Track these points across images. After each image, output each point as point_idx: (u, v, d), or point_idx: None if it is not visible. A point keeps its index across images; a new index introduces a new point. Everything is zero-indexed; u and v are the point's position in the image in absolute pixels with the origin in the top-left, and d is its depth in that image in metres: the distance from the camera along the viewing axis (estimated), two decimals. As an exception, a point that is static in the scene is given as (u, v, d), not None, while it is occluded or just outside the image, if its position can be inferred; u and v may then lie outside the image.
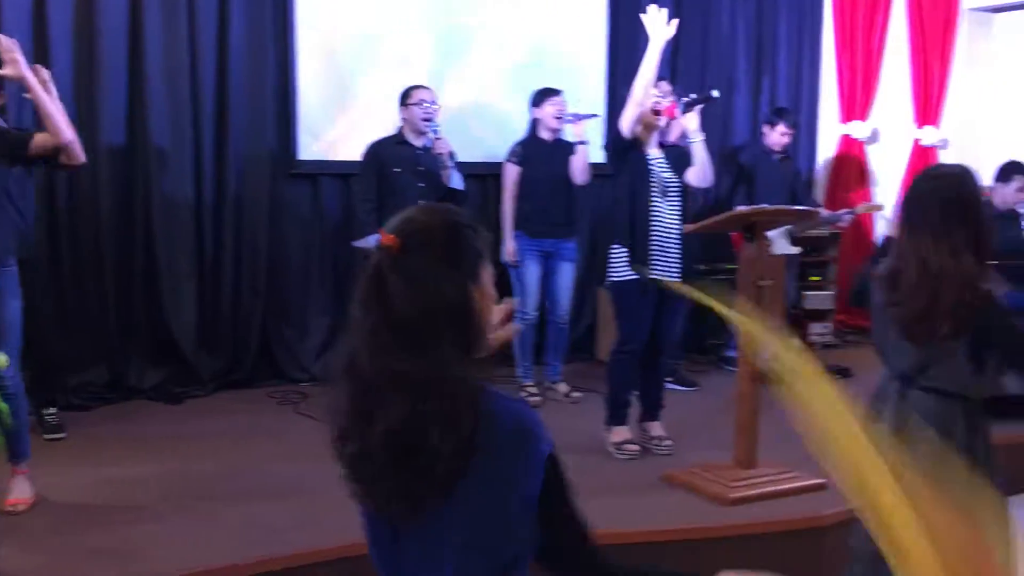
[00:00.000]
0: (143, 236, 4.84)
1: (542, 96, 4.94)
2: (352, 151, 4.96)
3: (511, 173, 4.94)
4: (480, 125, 5.49)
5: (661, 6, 3.92)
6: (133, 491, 3.52)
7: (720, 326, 5.85)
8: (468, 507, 1.31)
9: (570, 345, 5.44)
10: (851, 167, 7.01)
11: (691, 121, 3.99)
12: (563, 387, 5.04)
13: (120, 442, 4.13)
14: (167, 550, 2.98)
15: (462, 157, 4.81)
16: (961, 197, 2.40)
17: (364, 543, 1.44)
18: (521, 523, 1.33)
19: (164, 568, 2.84)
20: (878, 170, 7.18)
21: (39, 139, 3.32)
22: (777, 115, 5.89)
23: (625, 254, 3.95)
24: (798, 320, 6.47)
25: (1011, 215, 5.43)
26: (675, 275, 3.96)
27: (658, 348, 4.04)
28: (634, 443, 4.04)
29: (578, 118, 4.80)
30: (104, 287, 4.76)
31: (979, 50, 7.46)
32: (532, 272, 4.93)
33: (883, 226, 6.90)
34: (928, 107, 7.22)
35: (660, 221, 3.94)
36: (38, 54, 4.32)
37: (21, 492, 3.34)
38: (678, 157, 4.05)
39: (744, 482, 3.53)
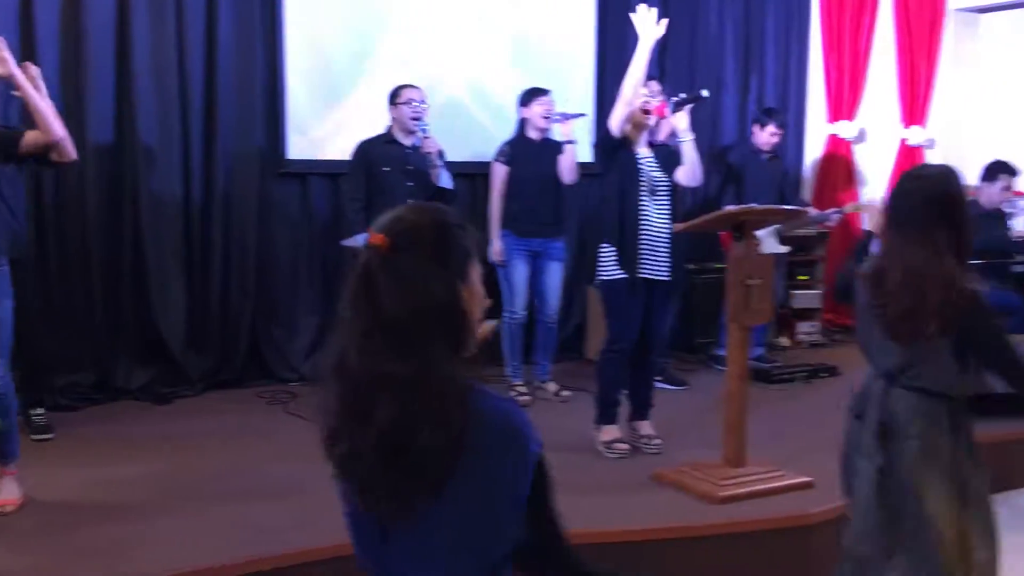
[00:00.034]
0: (131, 235, 4.82)
1: (530, 96, 4.94)
2: (341, 150, 4.96)
3: (499, 173, 4.94)
4: (468, 124, 5.48)
5: (650, 6, 3.93)
6: (122, 492, 3.51)
7: (709, 325, 5.87)
8: (458, 506, 1.31)
9: (559, 344, 5.45)
10: (838, 167, 7.05)
11: (681, 120, 4.01)
12: (552, 386, 5.05)
13: (108, 443, 4.12)
14: (156, 550, 2.97)
15: (450, 156, 4.81)
16: (945, 197, 2.41)
17: (355, 543, 1.44)
18: (510, 522, 1.34)
19: (153, 569, 2.83)
20: (865, 170, 7.22)
21: (30, 137, 3.31)
22: (767, 115, 5.91)
23: (614, 253, 3.96)
24: (786, 319, 6.51)
25: (997, 214, 5.47)
26: (664, 274, 3.98)
27: (647, 347, 4.05)
28: (624, 442, 4.05)
29: (566, 117, 4.81)
30: (91, 286, 4.73)
31: (965, 50, 7.50)
32: (520, 271, 4.93)
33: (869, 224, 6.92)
34: (914, 107, 7.26)
35: (649, 220, 3.95)
36: (25, 53, 4.29)
37: (9, 493, 3.33)
38: (667, 156, 4.06)
39: (733, 481, 3.54)
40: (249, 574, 2.89)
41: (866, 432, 2.50)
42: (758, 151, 5.87)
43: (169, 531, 3.13)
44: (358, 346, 1.31)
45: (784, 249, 5.82)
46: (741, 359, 3.63)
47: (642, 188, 3.94)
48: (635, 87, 3.87)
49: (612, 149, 3.99)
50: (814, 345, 6.49)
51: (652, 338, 4.05)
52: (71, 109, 4.52)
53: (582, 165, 4.91)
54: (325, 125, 5.26)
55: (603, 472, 3.84)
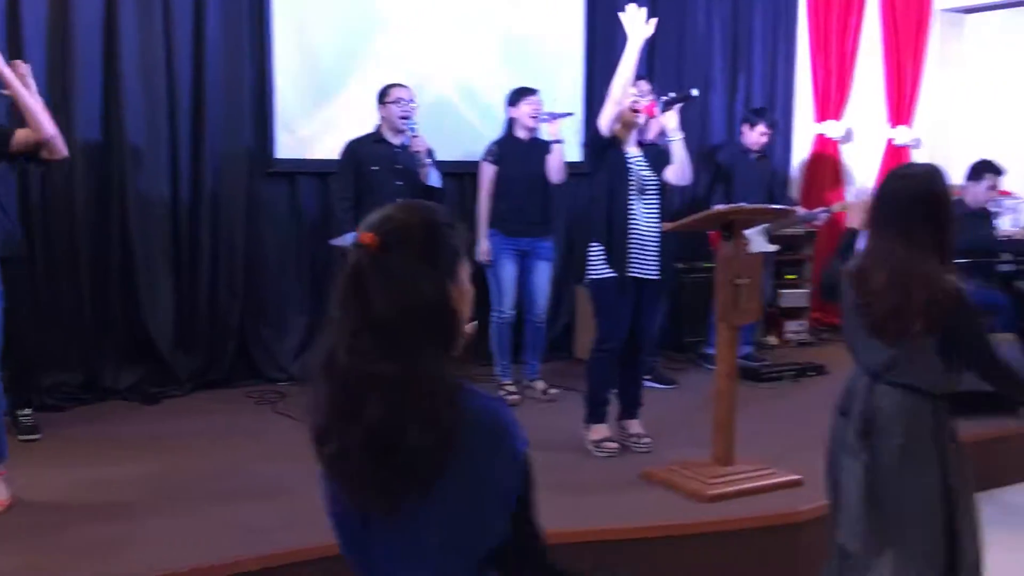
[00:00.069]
0: (119, 234, 4.80)
1: (518, 95, 4.95)
2: (330, 149, 4.95)
3: (487, 172, 4.94)
4: (457, 124, 5.48)
5: (639, 5, 3.93)
6: (110, 492, 3.50)
7: (698, 324, 5.89)
8: (446, 505, 1.31)
9: (548, 343, 5.46)
10: (825, 166, 7.08)
11: (670, 120, 4.01)
12: (540, 384, 5.05)
13: (96, 443, 4.10)
14: (145, 551, 2.96)
15: (439, 155, 4.81)
16: (929, 196, 2.43)
17: (343, 543, 1.44)
18: (497, 520, 1.34)
19: (142, 569, 2.82)
20: (852, 169, 7.25)
21: (20, 135, 3.29)
22: (757, 115, 5.93)
23: (603, 253, 3.97)
24: (774, 318, 6.53)
25: (982, 213, 5.51)
26: (653, 273, 3.99)
27: (637, 346, 4.06)
28: (613, 441, 4.06)
29: (553, 117, 4.82)
30: (79, 286, 4.72)
31: (951, 50, 7.55)
32: (508, 271, 4.94)
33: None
34: (901, 107, 7.31)
35: (638, 220, 3.95)
36: (12, 52, 4.26)
37: (-2, 493, 3.32)
38: (656, 155, 4.07)
39: (722, 479, 3.55)
40: (239, 574, 2.89)
41: (850, 429, 2.52)
42: (747, 150, 5.89)
43: (158, 531, 3.12)
44: (347, 345, 1.31)
45: (773, 248, 5.85)
46: (730, 358, 3.65)
47: (631, 187, 3.94)
48: (624, 87, 3.88)
49: (601, 148, 4.00)
50: (802, 344, 6.52)
51: (641, 337, 4.06)
52: (58, 108, 4.49)
53: (570, 164, 4.92)
54: (313, 124, 5.25)
55: (593, 471, 3.85)
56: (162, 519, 3.23)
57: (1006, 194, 6.24)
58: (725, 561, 3.30)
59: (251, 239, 5.15)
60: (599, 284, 3.99)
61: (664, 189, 4.11)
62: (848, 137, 7.18)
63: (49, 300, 4.62)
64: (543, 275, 5.02)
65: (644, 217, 3.97)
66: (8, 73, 3.24)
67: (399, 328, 1.30)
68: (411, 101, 4.72)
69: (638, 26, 3.87)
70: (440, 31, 5.53)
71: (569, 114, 5.01)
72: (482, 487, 1.32)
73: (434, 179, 4.68)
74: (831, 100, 7.05)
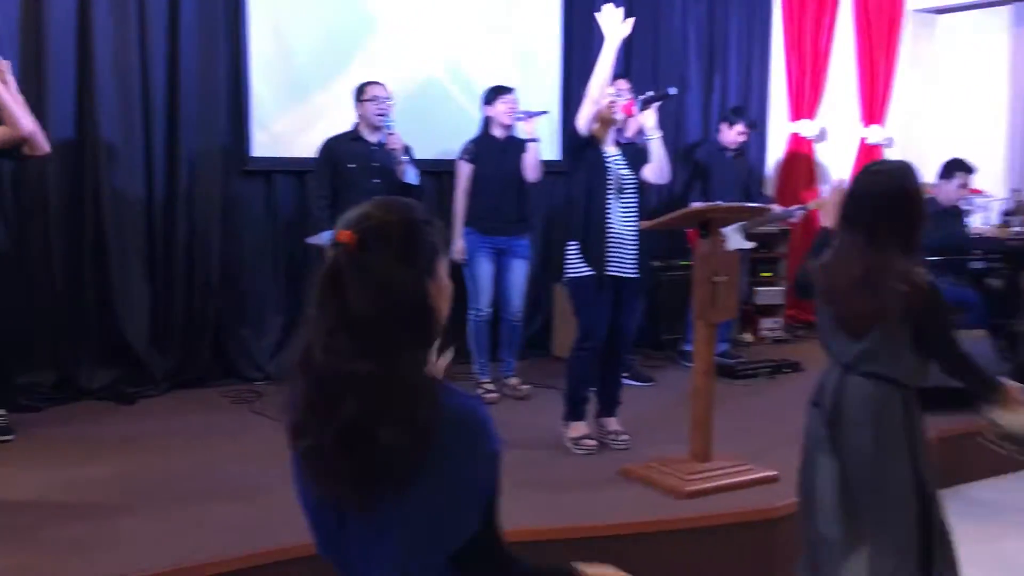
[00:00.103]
0: (92, 233, 4.75)
1: (494, 94, 4.96)
2: (307, 147, 4.93)
3: (464, 171, 4.95)
4: (433, 122, 5.48)
5: (615, 5, 3.95)
6: (85, 492, 3.47)
7: (675, 321, 5.92)
8: (421, 502, 1.31)
9: (526, 342, 5.47)
10: (800, 165, 7.14)
11: (648, 118, 4.03)
12: (514, 380, 5.06)
13: (73, 443, 4.06)
14: (121, 551, 2.94)
15: (416, 154, 4.81)
16: (900, 192, 2.45)
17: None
18: (470, 518, 1.34)
19: (117, 569, 2.80)
20: (826, 168, 7.32)
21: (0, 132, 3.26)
22: (736, 114, 5.97)
23: (581, 251, 3.98)
24: (750, 315, 6.58)
25: (954, 211, 5.57)
26: (632, 272, 4.00)
27: (617, 345, 4.07)
28: (592, 438, 4.07)
29: (529, 115, 4.84)
30: (53, 285, 4.67)
31: (923, 50, 7.64)
32: (485, 269, 4.94)
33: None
34: (874, 106, 7.39)
35: (616, 218, 3.97)
36: (-17, 48, 4.23)
37: (-29, 495, 3.28)
38: (635, 154, 4.09)
39: (700, 475, 3.58)
40: (217, 574, 2.87)
41: (821, 420, 2.55)
42: (723, 148, 5.93)
43: (133, 532, 3.10)
44: (324, 344, 1.30)
45: (749, 245, 5.87)
46: (707, 355, 3.67)
47: (609, 186, 3.96)
48: (601, 86, 3.89)
49: (579, 148, 4.01)
50: (777, 341, 6.58)
51: (621, 336, 4.07)
52: (31, 106, 4.42)
53: (546, 163, 4.93)
54: (290, 122, 5.22)
55: (571, 468, 3.86)
56: (138, 519, 3.21)
57: (977, 192, 6.32)
58: (703, 556, 3.32)
59: (227, 238, 5.12)
60: (578, 283, 4.00)
61: (642, 188, 4.12)
62: (822, 136, 7.25)
63: (23, 300, 4.56)
64: (519, 273, 5.03)
65: (622, 216, 3.98)
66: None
67: (376, 327, 1.30)
68: (388, 99, 4.71)
69: (615, 26, 3.88)
70: (416, 30, 5.52)
71: (544, 112, 5.03)
72: (458, 485, 1.32)
73: (411, 176, 4.68)
74: (805, 99, 7.12)
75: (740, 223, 3.67)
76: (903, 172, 2.50)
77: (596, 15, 3.99)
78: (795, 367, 5.65)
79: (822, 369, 2.65)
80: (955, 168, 5.50)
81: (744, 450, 3.91)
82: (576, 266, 3.99)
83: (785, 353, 6.03)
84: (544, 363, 5.72)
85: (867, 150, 7.33)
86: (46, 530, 3.10)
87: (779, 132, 7.12)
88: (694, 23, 6.60)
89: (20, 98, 3.32)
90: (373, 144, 4.71)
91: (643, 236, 4.04)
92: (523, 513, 3.12)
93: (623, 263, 3.98)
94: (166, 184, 4.96)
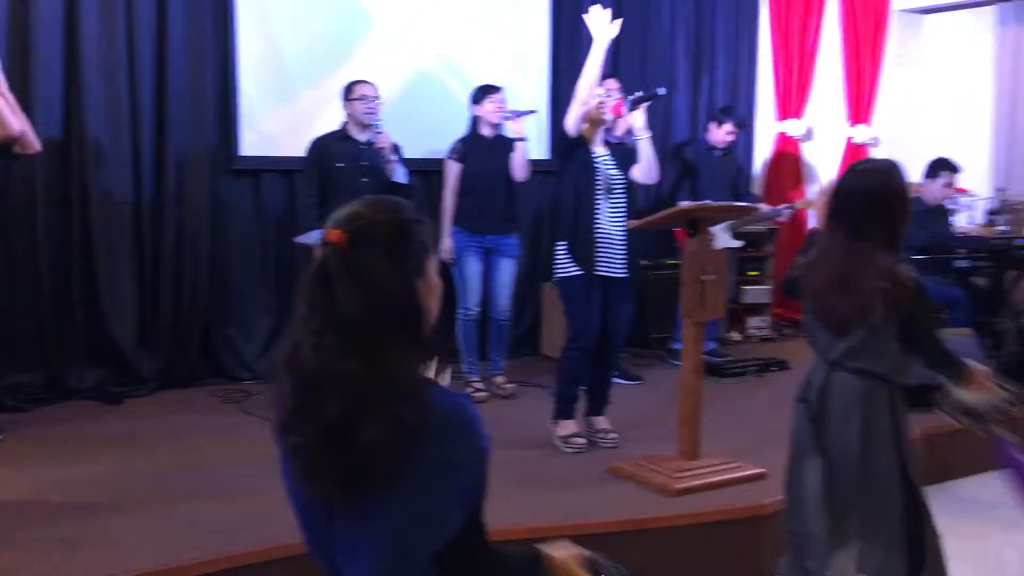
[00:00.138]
0: (80, 233, 4.73)
1: (482, 93, 4.96)
2: (296, 147, 4.92)
3: (452, 170, 4.95)
4: (421, 121, 5.48)
5: (603, 6, 3.96)
6: (74, 491, 3.46)
7: (663, 320, 5.94)
8: (407, 500, 1.31)
9: (514, 341, 5.47)
10: (787, 164, 7.18)
11: (637, 119, 4.05)
12: (500, 379, 5.06)
13: (61, 443, 4.05)
14: (109, 551, 2.93)
15: (403, 153, 4.81)
16: (885, 190, 2.47)
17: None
18: (457, 516, 1.35)
19: (106, 569, 2.79)
20: (813, 167, 7.36)
21: None
22: (724, 113, 5.99)
23: (570, 251, 3.99)
24: (737, 314, 6.61)
25: (939, 210, 5.62)
26: (621, 272, 4.02)
27: (607, 344, 4.07)
28: (581, 436, 4.08)
29: (517, 115, 4.85)
30: (40, 285, 4.65)
31: (909, 50, 7.69)
32: (473, 268, 4.95)
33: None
34: (860, 106, 7.42)
35: (605, 218, 3.98)
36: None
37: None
38: (624, 154, 4.10)
39: (688, 473, 3.59)
40: (207, 574, 2.87)
41: (807, 416, 2.57)
42: (712, 148, 5.96)
43: (122, 531, 3.09)
44: (312, 343, 1.31)
45: (737, 244, 5.91)
46: (695, 353, 3.69)
47: (598, 186, 3.97)
48: (590, 87, 3.91)
49: (568, 148, 4.02)
50: (764, 339, 6.61)
51: (611, 336, 4.07)
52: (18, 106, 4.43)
53: (534, 162, 4.94)
54: (278, 122, 5.21)
55: (561, 466, 3.87)
56: (127, 519, 3.20)
57: (962, 191, 6.37)
58: (692, 554, 3.34)
59: (215, 237, 5.11)
60: (567, 282, 4.01)
61: (631, 188, 4.14)
62: (809, 135, 7.28)
63: (10, 299, 4.55)
64: (507, 272, 5.04)
65: (611, 216, 3.99)
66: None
67: (365, 326, 1.30)
68: (376, 98, 4.71)
69: (603, 27, 3.90)
70: (407, 29, 5.52)
71: (532, 111, 5.05)
72: (445, 483, 1.33)
73: (400, 175, 4.68)
74: (792, 99, 7.15)
75: (728, 222, 3.69)
76: (889, 171, 2.52)
77: (584, 16, 4.00)
78: (782, 365, 5.67)
79: (809, 367, 2.67)
80: (940, 167, 5.54)
81: (732, 448, 3.93)
82: (566, 266, 4.00)
83: (772, 351, 6.06)
84: (533, 362, 5.73)
85: (853, 149, 7.37)
86: (35, 530, 3.09)
87: (766, 131, 7.15)
88: (682, 23, 6.62)
89: (10, 97, 3.30)
90: (362, 143, 4.71)
91: (632, 236, 4.05)
92: (513, 511, 3.12)
93: (612, 263, 3.99)
94: (154, 183, 4.94)
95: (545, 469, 3.81)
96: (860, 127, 7.40)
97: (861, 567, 2.46)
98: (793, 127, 7.15)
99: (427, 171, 5.39)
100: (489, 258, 4.99)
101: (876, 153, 7.32)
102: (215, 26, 5.03)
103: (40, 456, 3.86)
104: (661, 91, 4.20)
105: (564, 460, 3.96)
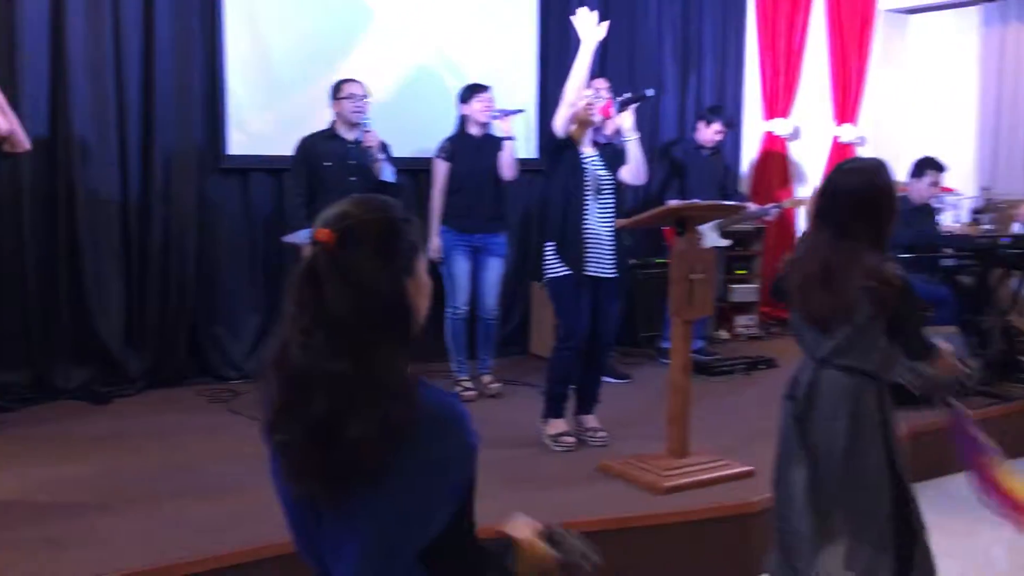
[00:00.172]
0: (66, 232, 4.71)
1: (470, 92, 4.96)
2: (284, 146, 4.91)
3: (440, 169, 4.95)
4: (410, 120, 5.47)
5: (590, 8, 3.97)
6: (63, 491, 3.44)
7: (651, 319, 5.95)
8: (393, 498, 1.31)
9: (503, 339, 5.47)
10: (774, 163, 7.20)
11: (626, 120, 4.05)
12: (487, 378, 5.06)
13: (49, 442, 4.03)
14: (96, 551, 2.92)
15: (392, 151, 4.80)
16: (871, 189, 2.48)
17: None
18: (445, 513, 1.35)
19: (96, 568, 2.78)
20: (800, 166, 7.39)
21: None
22: (713, 113, 6.01)
23: (559, 252, 3.99)
24: (724, 312, 6.63)
25: (926, 209, 5.64)
26: (610, 272, 4.02)
27: (597, 344, 4.07)
28: (570, 435, 4.09)
29: (505, 114, 4.86)
30: (26, 284, 4.62)
31: (894, 50, 7.73)
32: (461, 267, 4.95)
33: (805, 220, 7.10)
34: (846, 105, 7.46)
35: (594, 219, 3.98)
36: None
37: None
38: (612, 155, 4.10)
39: (677, 471, 3.60)
40: (195, 573, 2.86)
41: (794, 413, 2.57)
42: (700, 147, 5.97)
43: (109, 531, 3.08)
44: (300, 342, 1.31)
45: (725, 243, 5.93)
46: (684, 352, 3.70)
47: (587, 187, 3.97)
48: (578, 89, 3.91)
49: (557, 149, 4.02)
50: (752, 338, 6.63)
51: (601, 335, 4.07)
52: (3, 104, 4.41)
53: (522, 161, 4.94)
54: (266, 120, 5.20)
55: (550, 465, 3.88)
56: (114, 518, 3.19)
57: (948, 191, 6.40)
58: (681, 551, 3.35)
59: (203, 236, 5.09)
60: (557, 283, 4.01)
61: (620, 188, 4.15)
62: (796, 135, 7.31)
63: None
64: (494, 271, 5.03)
65: (600, 216, 4.00)
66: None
67: (354, 326, 1.30)
68: (365, 97, 4.70)
69: (590, 29, 3.90)
70: (395, 29, 5.51)
71: (520, 111, 5.06)
72: (433, 480, 1.33)
73: (387, 174, 4.68)
74: (779, 98, 7.18)
75: (716, 221, 3.70)
76: (876, 170, 2.53)
77: (572, 19, 4.00)
78: (770, 363, 5.70)
79: (797, 364, 2.68)
80: (926, 166, 5.57)
81: (720, 446, 3.95)
82: (555, 267, 4.00)
83: (760, 350, 6.08)
84: (522, 360, 5.73)
85: (840, 148, 7.40)
86: (21, 530, 3.07)
87: (753, 131, 7.18)
88: (669, 24, 6.63)
89: (2, 98, 3.28)
90: (350, 142, 4.71)
91: (622, 236, 4.05)
92: (502, 510, 3.11)
93: (601, 263, 3.99)
94: (141, 182, 4.92)
95: (534, 468, 3.81)
96: (846, 126, 7.43)
97: (849, 565, 2.47)
98: (780, 126, 7.18)
99: (415, 170, 5.39)
100: (477, 257, 4.99)
101: (862, 152, 7.36)
102: (202, 25, 5.01)
103: (27, 456, 3.84)
104: (650, 93, 4.21)
105: (553, 458, 3.97)
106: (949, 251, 5.54)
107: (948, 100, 7.61)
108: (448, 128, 5.06)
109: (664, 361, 5.36)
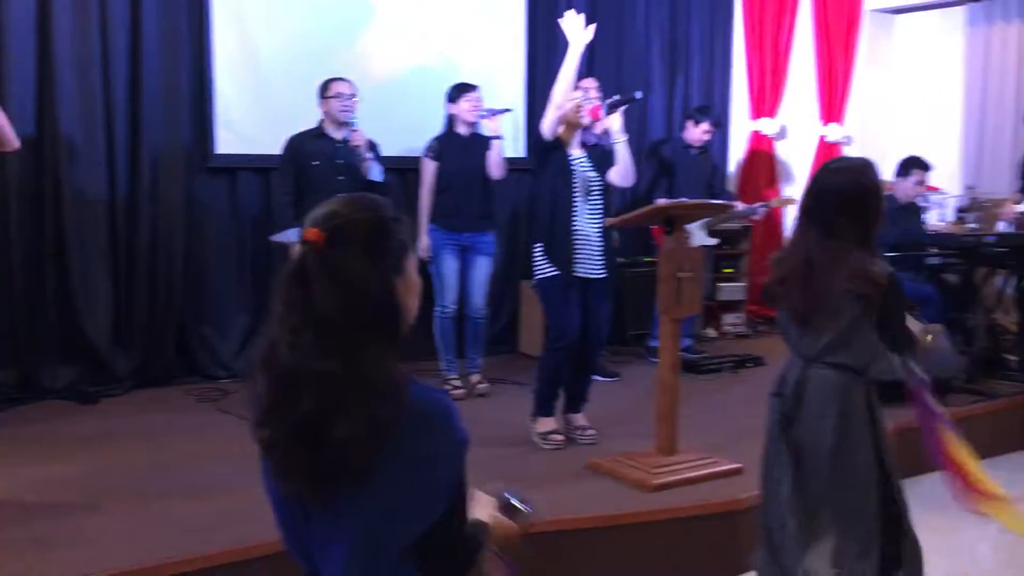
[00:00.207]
0: (53, 230, 4.69)
1: (458, 91, 4.97)
2: (272, 145, 4.90)
3: (428, 168, 4.95)
4: (398, 119, 5.47)
5: (576, 9, 3.97)
6: (50, 491, 3.43)
7: (640, 318, 5.97)
8: (380, 495, 1.32)
9: (492, 338, 5.47)
10: (761, 162, 7.23)
11: (615, 122, 4.06)
12: (475, 378, 5.07)
13: (36, 442, 4.01)
14: (84, 550, 2.91)
15: (381, 151, 4.80)
16: (857, 188, 2.49)
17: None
18: (435, 509, 1.35)
19: (84, 568, 2.77)
20: (787, 165, 7.42)
21: None
22: (702, 113, 6.02)
23: (547, 253, 3.99)
24: (712, 311, 6.65)
25: (911, 208, 5.67)
26: (599, 272, 4.03)
27: (588, 344, 4.07)
28: (559, 433, 4.09)
29: (492, 113, 4.86)
30: (13, 283, 4.60)
31: (880, 50, 7.76)
32: (450, 266, 4.95)
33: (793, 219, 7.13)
34: (832, 105, 7.49)
35: (583, 220, 3.98)
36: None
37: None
38: (601, 156, 4.11)
39: (665, 469, 3.62)
40: (183, 573, 2.85)
41: (780, 411, 2.59)
42: (688, 146, 5.99)
43: (97, 530, 3.07)
44: (289, 342, 1.31)
45: (713, 242, 5.92)
46: (673, 350, 3.71)
47: (575, 189, 3.97)
48: (565, 92, 3.91)
49: (545, 151, 4.03)
50: (739, 336, 6.66)
51: (592, 336, 4.07)
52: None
53: (510, 160, 4.95)
54: (254, 120, 5.18)
55: (539, 463, 3.89)
56: (102, 518, 3.18)
57: (933, 189, 6.44)
58: (670, 548, 3.37)
59: (191, 235, 5.08)
60: (546, 283, 4.01)
61: (608, 189, 4.15)
62: (782, 134, 7.34)
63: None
64: (482, 270, 5.04)
65: (588, 217, 4.00)
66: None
67: (342, 325, 1.30)
68: (353, 95, 4.70)
69: (577, 32, 3.91)
70: (383, 29, 5.51)
71: (508, 110, 5.06)
72: (421, 477, 1.33)
73: (375, 173, 4.67)
74: (766, 98, 7.21)
75: (704, 220, 3.72)
76: (863, 169, 2.54)
77: (559, 21, 4.01)
78: (758, 361, 5.72)
79: (784, 362, 2.69)
80: (912, 165, 5.60)
81: (709, 443, 3.96)
82: (544, 268, 4.01)
83: (747, 348, 6.10)
84: (510, 359, 5.74)
85: (826, 148, 7.44)
86: (8, 530, 3.05)
87: (740, 130, 7.20)
88: (657, 25, 6.65)
89: None
90: (338, 141, 4.70)
91: (611, 236, 4.06)
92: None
93: (591, 264, 4.00)
94: (128, 181, 4.90)
95: (524, 466, 3.82)
96: (833, 126, 7.46)
97: (835, 563, 2.48)
98: (767, 126, 7.20)
99: (403, 169, 5.38)
100: (465, 256, 5.00)
101: (849, 151, 7.40)
102: (190, 24, 4.99)
103: (14, 456, 3.82)
104: (638, 95, 4.22)
105: (543, 457, 3.97)
106: (934, 250, 5.58)
107: (933, 99, 7.66)
108: (436, 127, 5.06)
109: (652, 359, 5.38)
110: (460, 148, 4.93)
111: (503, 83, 5.81)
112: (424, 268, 4.85)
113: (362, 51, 5.42)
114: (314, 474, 1.31)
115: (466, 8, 5.78)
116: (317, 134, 4.73)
